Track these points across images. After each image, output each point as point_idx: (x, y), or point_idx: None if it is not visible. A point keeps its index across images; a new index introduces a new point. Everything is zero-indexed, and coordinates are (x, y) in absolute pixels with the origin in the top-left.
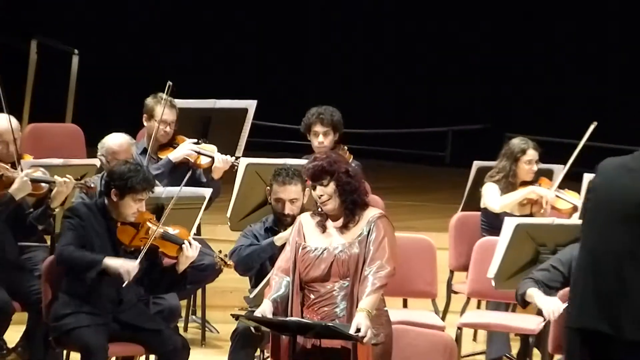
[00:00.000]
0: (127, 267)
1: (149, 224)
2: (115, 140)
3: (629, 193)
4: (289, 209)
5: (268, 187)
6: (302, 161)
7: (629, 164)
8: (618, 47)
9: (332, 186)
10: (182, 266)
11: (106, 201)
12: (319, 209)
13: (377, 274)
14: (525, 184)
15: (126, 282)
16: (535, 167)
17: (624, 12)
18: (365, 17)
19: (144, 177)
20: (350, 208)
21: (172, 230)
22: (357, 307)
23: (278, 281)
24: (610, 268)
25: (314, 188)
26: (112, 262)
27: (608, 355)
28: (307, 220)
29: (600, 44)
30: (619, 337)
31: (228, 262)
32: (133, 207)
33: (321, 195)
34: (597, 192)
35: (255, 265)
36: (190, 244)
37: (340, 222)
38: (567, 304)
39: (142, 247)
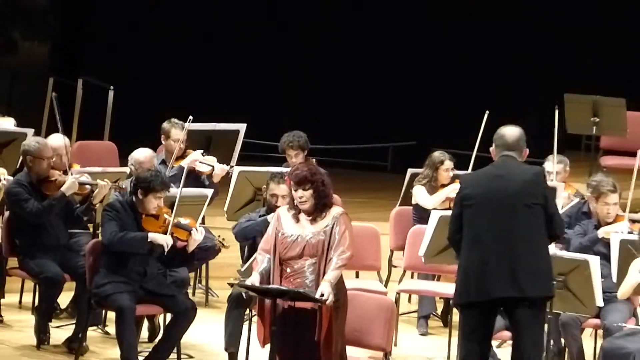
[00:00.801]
0: (165, 238)
1: (165, 216)
2: (141, 154)
3: (507, 191)
4: (280, 202)
5: (263, 187)
6: (283, 169)
7: (493, 172)
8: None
9: (310, 191)
10: (191, 247)
11: (134, 199)
12: (294, 204)
13: (340, 257)
14: (443, 186)
15: (166, 250)
16: (451, 173)
17: None
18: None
19: (161, 181)
20: (321, 208)
21: (183, 220)
22: (322, 279)
23: (261, 258)
24: (509, 250)
25: (296, 190)
26: (154, 236)
27: (512, 315)
28: (284, 213)
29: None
30: (523, 298)
31: (225, 244)
32: (154, 203)
33: (301, 197)
34: (475, 199)
35: (249, 236)
36: (197, 230)
37: (310, 216)
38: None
39: (161, 233)
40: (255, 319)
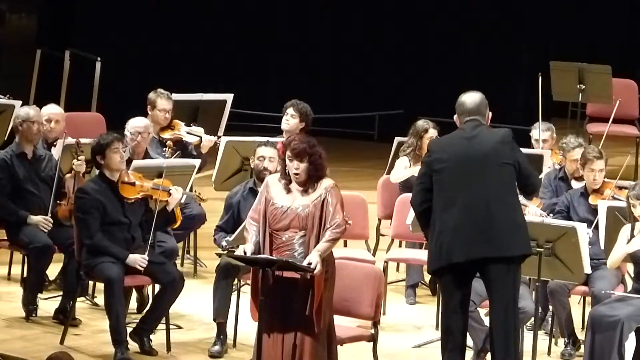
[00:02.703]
0: (140, 262)
1: (142, 181)
2: (139, 122)
3: (478, 152)
4: (267, 164)
5: (251, 157)
6: (272, 139)
7: (463, 135)
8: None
9: (306, 164)
10: (172, 205)
11: (103, 171)
12: (285, 174)
13: (334, 230)
14: None
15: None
16: None
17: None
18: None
19: (108, 134)
20: (314, 180)
21: (159, 184)
22: (310, 251)
23: (253, 229)
24: (483, 210)
25: (292, 161)
26: (133, 257)
27: (488, 275)
28: (274, 182)
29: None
30: (501, 257)
31: (203, 198)
32: (116, 157)
33: (297, 169)
34: (445, 163)
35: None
36: (176, 189)
37: (304, 186)
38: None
39: (139, 197)
40: (243, 289)
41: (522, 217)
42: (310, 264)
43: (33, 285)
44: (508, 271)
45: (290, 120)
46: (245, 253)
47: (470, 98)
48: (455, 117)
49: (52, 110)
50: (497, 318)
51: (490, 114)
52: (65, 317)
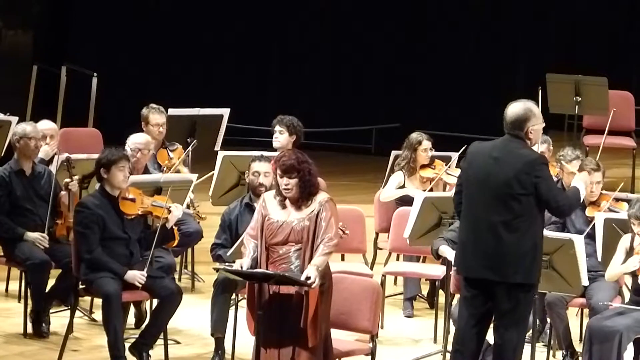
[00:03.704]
0: (139, 278)
1: (142, 197)
2: (139, 138)
3: (496, 177)
4: (263, 180)
5: (247, 171)
6: (266, 153)
7: (492, 152)
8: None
9: (296, 180)
10: (171, 223)
11: (104, 185)
12: (280, 190)
13: (327, 244)
14: (423, 167)
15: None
16: (430, 153)
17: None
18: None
19: (117, 151)
20: (305, 196)
21: (158, 201)
22: (307, 265)
23: (250, 244)
24: (490, 232)
25: (282, 177)
26: (132, 274)
27: (493, 296)
28: (270, 198)
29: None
30: (502, 282)
31: (202, 216)
32: (119, 176)
33: (287, 184)
34: (469, 175)
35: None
36: (176, 207)
37: (296, 202)
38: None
39: (139, 214)
40: (241, 303)
41: (529, 247)
42: (308, 278)
43: (36, 302)
44: (509, 295)
45: (279, 137)
46: (241, 267)
47: (512, 109)
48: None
49: (46, 126)
50: (497, 339)
51: (532, 130)
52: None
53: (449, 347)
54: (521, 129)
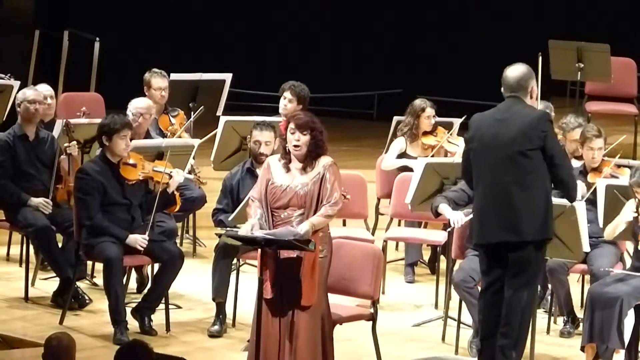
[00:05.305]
0: (141, 242)
1: (143, 162)
2: (141, 102)
3: (504, 137)
4: (264, 149)
5: (249, 136)
6: (268, 118)
7: (496, 116)
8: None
9: (308, 137)
10: (172, 188)
11: (105, 151)
12: (285, 153)
13: (330, 206)
14: (425, 133)
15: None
16: (432, 121)
17: None
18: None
19: (120, 120)
20: (312, 157)
21: (159, 166)
22: None
23: (254, 206)
24: (503, 193)
25: (294, 133)
26: (133, 238)
27: (507, 260)
28: (274, 162)
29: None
30: (520, 240)
31: (203, 182)
32: (121, 144)
33: (298, 140)
34: (475, 142)
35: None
36: (177, 172)
37: (301, 164)
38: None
39: (140, 179)
40: (242, 268)
41: (542, 202)
42: (309, 242)
43: (55, 267)
44: (522, 255)
45: (288, 105)
46: (252, 228)
47: (513, 72)
48: (502, 89)
49: (43, 89)
50: (506, 297)
51: (535, 89)
52: (64, 300)
53: (450, 313)
54: (525, 88)
